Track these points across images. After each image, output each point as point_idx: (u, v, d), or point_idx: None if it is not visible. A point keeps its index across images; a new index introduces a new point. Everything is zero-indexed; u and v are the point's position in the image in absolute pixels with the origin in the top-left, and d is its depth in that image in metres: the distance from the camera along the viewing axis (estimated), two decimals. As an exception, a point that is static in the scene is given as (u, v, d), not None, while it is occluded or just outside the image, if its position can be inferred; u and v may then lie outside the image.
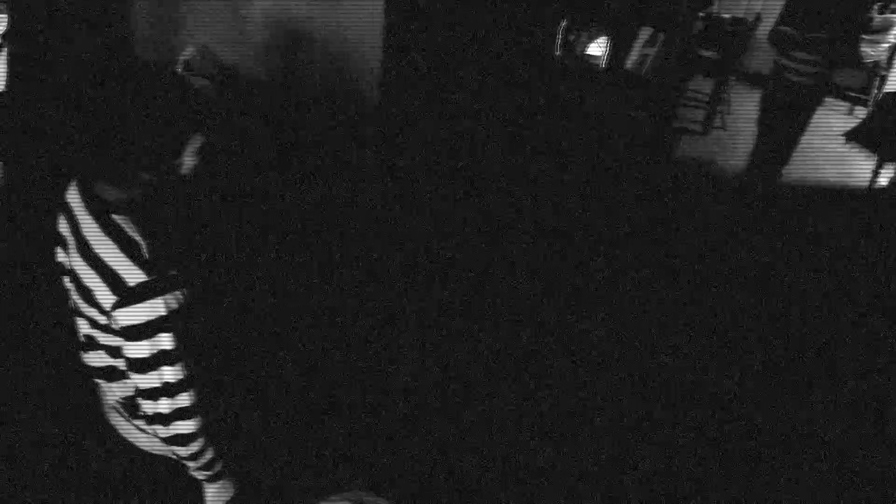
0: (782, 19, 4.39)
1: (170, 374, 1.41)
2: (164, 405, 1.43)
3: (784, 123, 4.56)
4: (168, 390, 1.42)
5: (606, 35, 5.60)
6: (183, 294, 1.41)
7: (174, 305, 1.38)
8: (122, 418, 1.61)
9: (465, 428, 2.78)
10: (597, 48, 5.61)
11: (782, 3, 4.44)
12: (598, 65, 5.58)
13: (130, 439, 1.63)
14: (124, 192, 1.39)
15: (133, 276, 1.34)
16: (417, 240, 3.89)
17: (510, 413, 2.87)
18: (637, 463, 2.71)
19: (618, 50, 5.61)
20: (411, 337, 3.21)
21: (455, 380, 3.00)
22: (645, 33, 5.68)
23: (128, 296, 1.34)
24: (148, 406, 1.44)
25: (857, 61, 5.90)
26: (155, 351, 1.38)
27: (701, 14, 6.69)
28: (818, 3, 4.17)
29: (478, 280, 3.68)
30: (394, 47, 3.61)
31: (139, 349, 1.37)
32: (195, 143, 1.39)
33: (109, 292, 1.35)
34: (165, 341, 1.38)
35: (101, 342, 1.46)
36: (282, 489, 2.32)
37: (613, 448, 2.77)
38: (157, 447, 1.57)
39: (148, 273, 1.35)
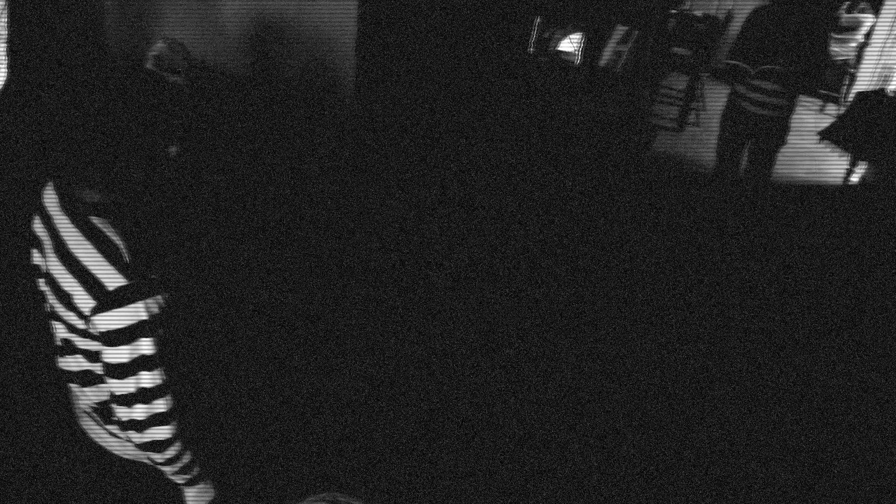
0: (732, 54, 4.05)
1: (147, 379, 1.34)
2: (139, 411, 1.35)
3: (750, 156, 4.24)
4: (144, 396, 1.35)
5: (580, 32, 5.59)
6: (164, 298, 1.37)
7: (155, 310, 1.33)
8: (93, 423, 1.54)
9: (445, 430, 2.72)
10: (570, 45, 5.59)
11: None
12: (571, 62, 5.56)
13: (103, 444, 1.56)
14: (106, 194, 1.33)
15: (113, 280, 1.29)
16: (397, 235, 3.82)
17: (491, 415, 2.81)
18: (631, 465, 2.67)
19: (591, 47, 5.60)
20: (391, 335, 3.14)
21: (432, 378, 2.94)
22: (619, 31, 5.67)
23: (107, 300, 1.29)
24: (123, 412, 1.37)
25: (819, 86, 5.78)
26: (135, 356, 1.32)
27: (673, 11, 6.71)
28: (771, 36, 3.84)
29: (452, 276, 3.61)
30: (368, 42, 3.55)
31: (118, 354, 1.31)
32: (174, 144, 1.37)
33: (88, 297, 1.30)
34: (145, 346, 1.33)
35: (79, 346, 1.40)
36: (259, 491, 2.27)
37: (605, 450, 2.72)
38: (130, 452, 1.50)
39: (128, 277, 1.29)
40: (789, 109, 4.01)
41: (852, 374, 3.35)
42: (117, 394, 1.35)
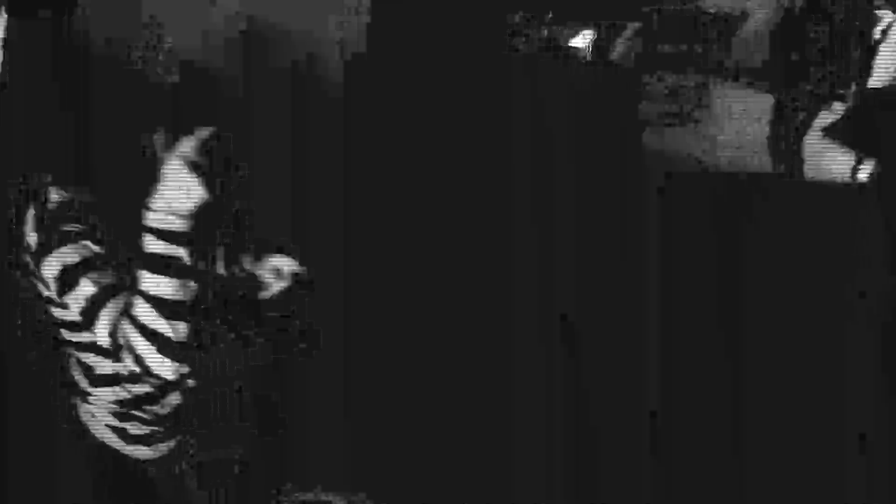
0: None
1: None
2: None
3: None
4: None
5: (591, 28, 5.59)
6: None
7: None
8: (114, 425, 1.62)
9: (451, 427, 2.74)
10: (580, 41, 5.60)
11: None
12: (582, 57, 5.57)
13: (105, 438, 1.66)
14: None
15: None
16: (382, 232, 3.86)
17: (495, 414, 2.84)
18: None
19: (602, 42, 5.61)
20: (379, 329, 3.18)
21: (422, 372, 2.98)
22: (631, 27, 5.67)
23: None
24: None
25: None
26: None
27: (685, 6, 6.66)
28: None
29: (440, 273, 3.66)
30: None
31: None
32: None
33: None
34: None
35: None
36: (245, 488, 2.30)
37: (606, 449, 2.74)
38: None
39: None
40: None
41: (851, 371, 3.35)
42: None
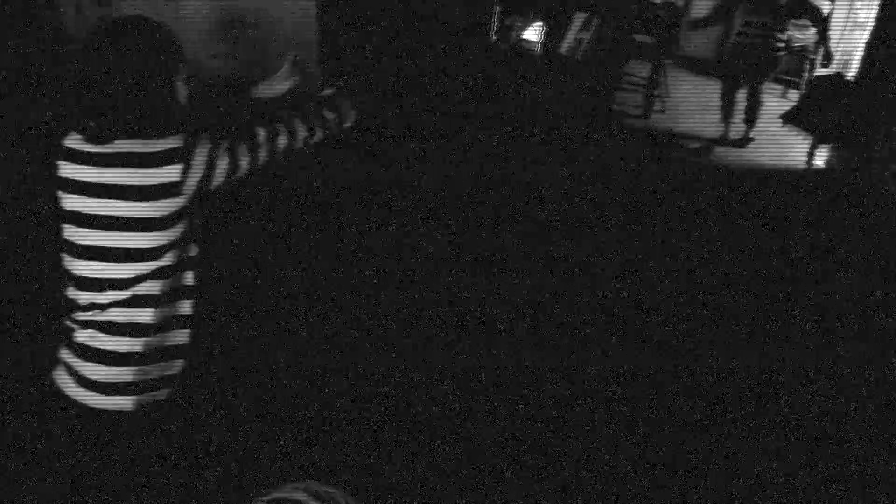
0: None
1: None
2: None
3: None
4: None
5: (542, 20, 5.51)
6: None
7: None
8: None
9: (430, 423, 2.60)
10: (532, 33, 5.51)
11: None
12: (533, 50, 5.48)
13: (79, 397, 1.51)
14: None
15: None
16: (372, 231, 3.69)
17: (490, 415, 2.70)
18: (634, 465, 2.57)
19: (553, 35, 5.53)
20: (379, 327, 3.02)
21: (418, 370, 2.82)
22: (579, 18, 5.61)
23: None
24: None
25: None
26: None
27: (633, -1, 6.68)
28: None
29: (433, 269, 3.50)
30: (329, 34, 3.48)
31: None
32: (182, 72, 1.51)
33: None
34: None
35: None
36: (237, 479, 2.23)
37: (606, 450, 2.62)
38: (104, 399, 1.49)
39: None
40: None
41: (812, 353, 3.30)
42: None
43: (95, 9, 3.56)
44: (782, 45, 5.37)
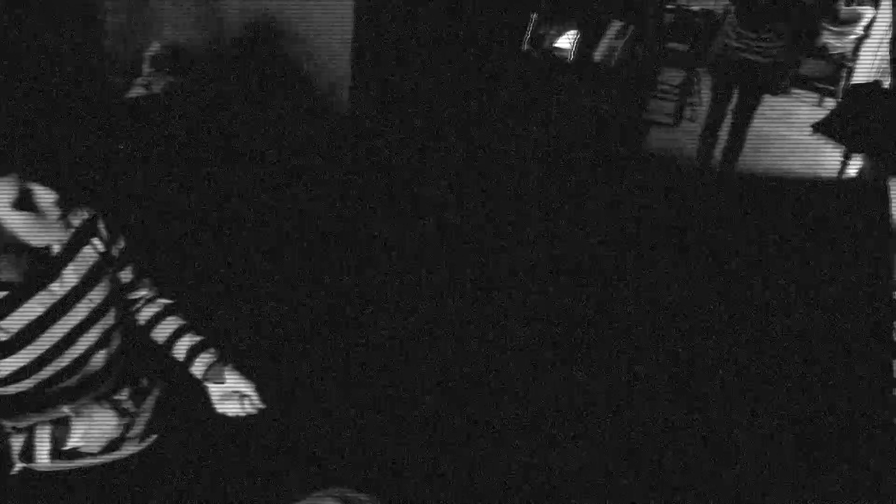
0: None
1: None
2: None
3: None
4: None
5: (576, 28, 5.57)
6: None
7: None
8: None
9: (459, 428, 2.70)
10: (566, 42, 5.57)
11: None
12: (566, 58, 5.54)
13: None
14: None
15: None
16: (393, 236, 3.82)
17: (508, 413, 2.80)
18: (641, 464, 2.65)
19: (587, 43, 5.59)
20: (394, 333, 3.14)
21: (437, 374, 2.93)
22: (614, 26, 5.66)
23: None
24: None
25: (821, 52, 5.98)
26: None
27: (669, 6, 6.69)
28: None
29: (446, 276, 3.61)
30: (363, 43, 3.57)
31: None
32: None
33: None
34: None
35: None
36: (265, 488, 2.28)
37: (613, 449, 2.70)
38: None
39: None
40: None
41: (847, 367, 3.32)
42: None
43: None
44: (769, 58, 4.61)
